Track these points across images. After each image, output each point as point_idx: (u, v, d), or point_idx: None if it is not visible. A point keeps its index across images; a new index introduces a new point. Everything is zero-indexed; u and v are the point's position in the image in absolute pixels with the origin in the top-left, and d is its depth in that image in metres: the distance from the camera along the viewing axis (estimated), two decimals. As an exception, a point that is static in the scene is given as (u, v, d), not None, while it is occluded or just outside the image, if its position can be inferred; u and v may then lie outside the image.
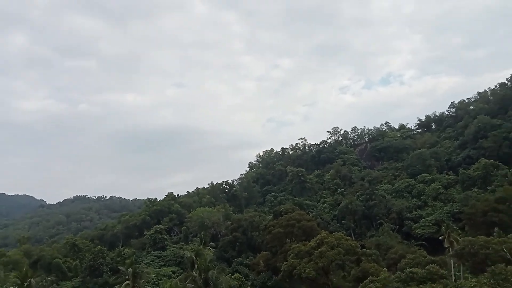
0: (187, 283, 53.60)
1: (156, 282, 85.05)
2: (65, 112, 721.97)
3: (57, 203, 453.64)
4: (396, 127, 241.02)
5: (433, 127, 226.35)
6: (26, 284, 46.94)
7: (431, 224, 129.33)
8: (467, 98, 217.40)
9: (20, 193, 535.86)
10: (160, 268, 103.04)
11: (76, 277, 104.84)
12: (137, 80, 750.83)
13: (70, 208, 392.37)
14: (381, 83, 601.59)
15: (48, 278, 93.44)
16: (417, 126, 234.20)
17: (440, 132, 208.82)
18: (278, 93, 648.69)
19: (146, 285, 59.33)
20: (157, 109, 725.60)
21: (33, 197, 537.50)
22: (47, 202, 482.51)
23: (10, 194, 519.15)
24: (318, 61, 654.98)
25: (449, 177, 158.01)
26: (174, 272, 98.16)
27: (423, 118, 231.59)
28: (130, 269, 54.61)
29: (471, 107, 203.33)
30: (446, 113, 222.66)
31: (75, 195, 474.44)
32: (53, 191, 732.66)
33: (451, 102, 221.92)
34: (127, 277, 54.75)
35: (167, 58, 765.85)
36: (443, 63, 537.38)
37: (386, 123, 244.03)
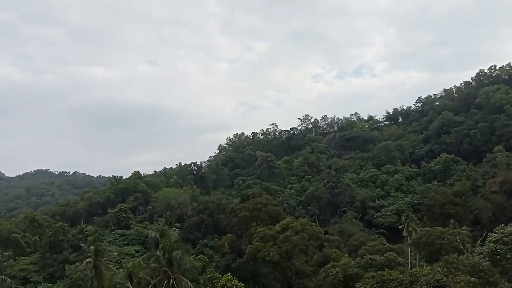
0: (151, 262, 53.30)
1: (119, 261, 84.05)
2: (30, 82, 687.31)
3: (16, 176, 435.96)
4: (365, 118, 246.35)
5: (399, 120, 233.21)
6: (-20, 258, 45.23)
7: (392, 214, 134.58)
8: (434, 94, 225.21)
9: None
10: (123, 246, 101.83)
11: (35, 253, 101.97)
12: (107, 54, 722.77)
13: (31, 182, 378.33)
14: (353, 74, 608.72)
15: (5, 253, 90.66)
16: (384, 119, 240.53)
17: (406, 126, 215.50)
18: (251, 77, 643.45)
19: (108, 263, 58.37)
20: (127, 86, 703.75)
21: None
22: (6, 175, 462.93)
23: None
24: (293, 47, 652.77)
25: (412, 169, 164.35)
26: (137, 251, 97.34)
27: (391, 111, 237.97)
28: (92, 247, 53.46)
29: (437, 103, 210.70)
30: (413, 107, 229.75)
31: (36, 169, 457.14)
32: (12, 164, 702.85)
33: (418, 97, 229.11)
34: (89, 254, 53.68)
35: (140, 34, 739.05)
36: (413, 58, 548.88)
37: (355, 113, 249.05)
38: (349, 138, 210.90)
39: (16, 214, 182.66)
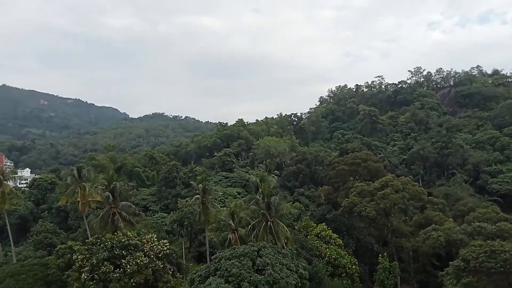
0: (251, 204, 57.00)
1: (223, 200, 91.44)
2: (147, 32, 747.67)
3: (138, 117, 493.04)
4: (489, 72, 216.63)
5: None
6: (112, 186, 53.08)
7: (511, 181, 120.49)
8: None
9: (106, 105, 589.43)
10: (226, 188, 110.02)
11: (153, 186, 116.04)
12: (215, 4, 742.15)
13: (150, 123, 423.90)
14: (479, 21, 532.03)
15: (130, 184, 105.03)
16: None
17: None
18: (357, 25, 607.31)
19: (214, 201, 64.18)
20: (233, 35, 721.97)
21: (118, 110, 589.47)
22: (130, 116, 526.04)
23: (99, 105, 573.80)
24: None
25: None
26: (239, 193, 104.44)
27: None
28: (200, 185, 58.96)
29: None
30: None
31: (154, 112, 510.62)
32: (134, 106, 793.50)
33: None
34: (197, 191, 59.45)
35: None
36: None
37: (477, 67, 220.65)
38: (467, 94, 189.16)
39: (138, 151, 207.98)
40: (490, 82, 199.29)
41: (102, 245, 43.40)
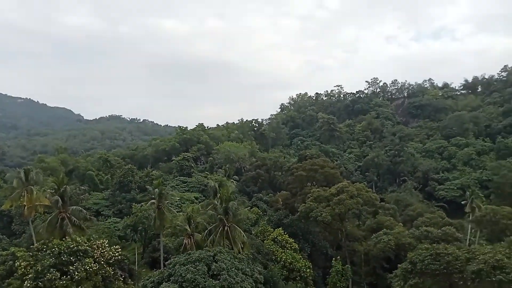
0: (208, 209, 56.49)
1: (179, 205, 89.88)
2: (106, 32, 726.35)
3: (93, 119, 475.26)
4: (440, 85, 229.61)
5: (478, 90, 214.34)
6: (62, 189, 50.61)
7: (455, 188, 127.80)
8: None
9: (60, 106, 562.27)
10: (184, 192, 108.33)
11: (107, 190, 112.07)
12: (178, 7, 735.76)
13: (105, 125, 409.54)
14: (432, 36, 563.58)
15: (82, 187, 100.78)
16: (461, 87, 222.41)
17: (485, 96, 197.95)
18: (320, 35, 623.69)
19: (170, 206, 62.89)
20: (195, 39, 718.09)
21: (71, 111, 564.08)
22: (84, 117, 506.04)
23: (51, 106, 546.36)
24: (368, 3, 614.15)
25: (485, 143, 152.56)
26: (196, 198, 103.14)
27: (470, 79, 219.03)
28: (156, 190, 57.57)
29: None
30: (496, 76, 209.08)
31: (110, 114, 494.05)
32: (90, 108, 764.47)
33: (504, 66, 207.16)
34: (153, 196, 58.05)
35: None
36: (503, 20, 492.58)
37: (429, 79, 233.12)
38: (419, 105, 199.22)
39: (92, 154, 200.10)
40: (440, 94, 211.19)
41: (48, 251, 41.22)
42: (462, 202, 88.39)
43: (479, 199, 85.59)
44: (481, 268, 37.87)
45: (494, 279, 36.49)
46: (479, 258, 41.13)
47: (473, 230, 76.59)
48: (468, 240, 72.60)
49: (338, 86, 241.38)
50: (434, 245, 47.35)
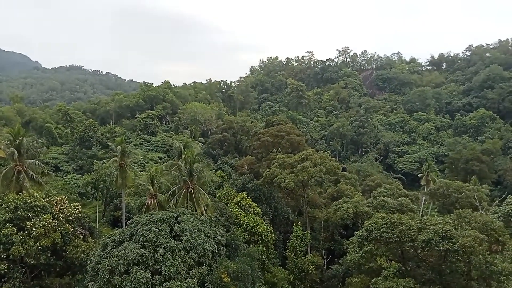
0: (172, 170, 55.68)
1: (143, 164, 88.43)
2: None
3: (52, 68, 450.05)
4: (407, 59, 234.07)
5: (443, 67, 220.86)
6: (18, 141, 47.89)
7: (413, 161, 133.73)
8: (486, 44, 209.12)
9: (15, 51, 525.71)
10: (148, 152, 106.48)
11: (66, 145, 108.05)
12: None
13: (65, 76, 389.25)
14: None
15: (40, 140, 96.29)
16: (427, 63, 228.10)
17: (449, 74, 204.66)
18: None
19: (133, 165, 61.54)
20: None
21: (28, 57, 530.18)
22: (42, 66, 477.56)
23: (5, 50, 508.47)
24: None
25: (444, 120, 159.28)
26: (160, 158, 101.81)
27: (436, 56, 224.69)
28: (119, 147, 55.81)
29: (487, 54, 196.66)
30: (461, 55, 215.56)
31: (71, 64, 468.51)
32: (49, 55, 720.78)
33: (469, 45, 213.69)
34: (115, 153, 56.38)
35: None
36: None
37: (397, 53, 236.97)
38: (386, 78, 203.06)
39: (51, 106, 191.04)
40: (407, 69, 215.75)
41: (4, 205, 39.54)
42: (419, 175, 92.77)
43: (434, 173, 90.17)
44: (431, 238, 40.00)
45: (442, 248, 38.75)
46: (430, 228, 43.49)
47: (426, 202, 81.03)
48: (421, 211, 76.88)
49: (309, 52, 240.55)
50: (390, 214, 49.66)
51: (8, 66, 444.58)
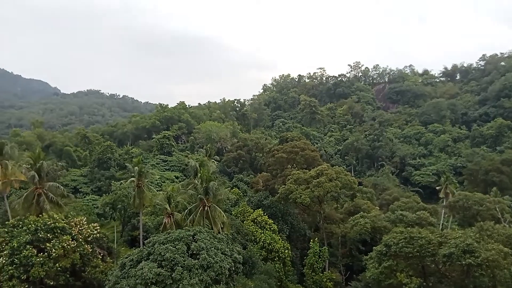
0: (189, 189, 56.20)
1: (159, 184, 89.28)
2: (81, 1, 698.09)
3: (71, 93, 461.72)
4: (420, 71, 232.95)
5: (457, 78, 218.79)
6: (38, 165, 49.28)
7: (431, 174, 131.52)
8: (500, 53, 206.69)
9: (35, 78, 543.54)
10: (164, 171, 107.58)
11: (85, 167, 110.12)
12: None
13: (84, 100, 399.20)
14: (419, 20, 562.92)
15: (59, 163, 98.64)
16: (441, 74, 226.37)
17: (463, 85, 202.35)
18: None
19: (150, 185, 62.38)
20: (179, 13, 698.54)
21: (48, 83, 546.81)
22: (61, 91, 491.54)
23: (26, 78, 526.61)
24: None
25: (461, 131, 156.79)
26: (177, 177, 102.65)
27: (449, 67, 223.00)
28: (136, 168, 56.74)
29: (502, 63, 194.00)
30: (475, 65, 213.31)
31: (89, 89, 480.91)
32: (67, 81, 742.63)
33: (482, 55, 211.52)
34: (133, 174, 57.25)
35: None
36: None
37: (410, 65, 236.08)
38: (399, 91, 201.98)
39: (70, 130, 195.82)
40: (420, 81, 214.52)
41: (24, 228, 40.42)
42: (437, 188, 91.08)
43: (453, 185, 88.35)
44: (452, 252, 39.17)
45: (464, 262, 37.86)
46: (451, 242, 42.57)
47: (446, 215, 79.29)
48: (441, 224, 75.22)
49: (320, 68, 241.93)
50: (409, 228, 48.82)
51: (29, 93, 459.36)
